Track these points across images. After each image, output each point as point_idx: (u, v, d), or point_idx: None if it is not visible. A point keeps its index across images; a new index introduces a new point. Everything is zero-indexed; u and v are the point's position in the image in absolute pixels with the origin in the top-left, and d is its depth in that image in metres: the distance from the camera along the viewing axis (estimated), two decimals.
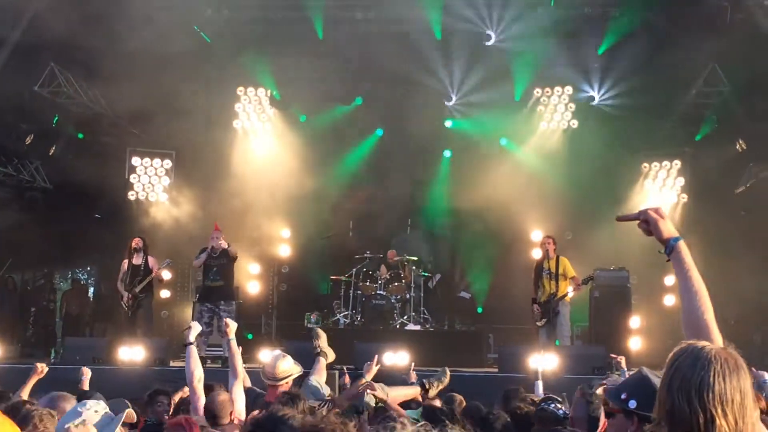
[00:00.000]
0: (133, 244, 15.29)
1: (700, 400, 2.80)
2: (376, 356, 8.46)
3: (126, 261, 15.26)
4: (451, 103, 18.66)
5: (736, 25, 15.18)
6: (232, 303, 14.91)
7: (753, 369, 5.01)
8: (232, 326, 7.71)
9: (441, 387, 8.39)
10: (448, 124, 19.01)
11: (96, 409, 4.96)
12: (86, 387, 8.69)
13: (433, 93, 18.52)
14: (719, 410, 2.79)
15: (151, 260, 15.29)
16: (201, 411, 6.53)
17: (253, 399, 7.42)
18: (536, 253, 17.01)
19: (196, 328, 7.66)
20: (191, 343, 7.33)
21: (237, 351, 7.44)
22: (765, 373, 6.73)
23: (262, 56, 17.92)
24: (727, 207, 16.77)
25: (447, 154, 19.35)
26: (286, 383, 7.63)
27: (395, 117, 18.75)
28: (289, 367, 7.70)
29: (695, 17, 15.64)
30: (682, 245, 3.47)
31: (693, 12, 15.59)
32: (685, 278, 3.40)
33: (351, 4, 16.86)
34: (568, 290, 14.83)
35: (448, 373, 8.54)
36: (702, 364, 2.84)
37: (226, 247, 14.75)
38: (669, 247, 3.48)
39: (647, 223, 3.57)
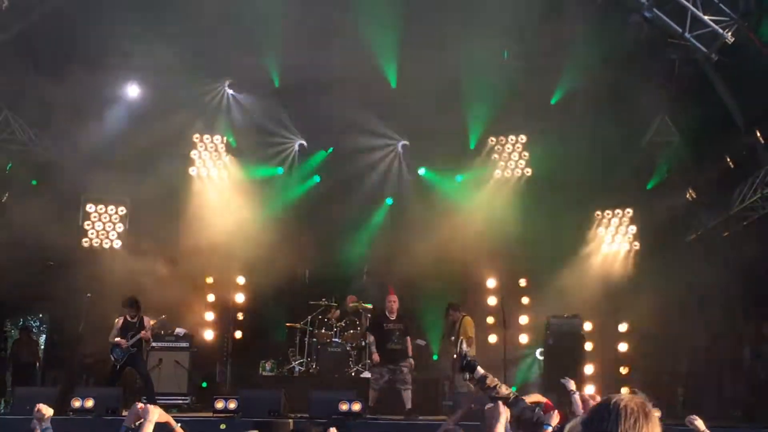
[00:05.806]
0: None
1: None
2: None
3: (121, 318, 15.33)
4: (405, 152, 18.75)
5: (685, 77, 15.48)
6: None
7: None
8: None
9: None
10: (406, 171, 19.12)
11: None
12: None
13: (387, 141, 18.63)
14: None
15: (145, 319, 15.47)
16: None
17: None
18: (491, 301, 17.25)
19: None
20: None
21: None
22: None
23: (219, 103, 17.93)
24: (678, 255, 16.97)
25: (389, 201, 19.55)
26: None
27: (350, 164, 18.85)
28: None
29: (646, 69, 15.91)
30: None
31: (644, 64, 15.86)
32: None
33: (306, 50, 16.85)
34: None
35: None
36: (612, 416, 2.91)
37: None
38: None
39: None
